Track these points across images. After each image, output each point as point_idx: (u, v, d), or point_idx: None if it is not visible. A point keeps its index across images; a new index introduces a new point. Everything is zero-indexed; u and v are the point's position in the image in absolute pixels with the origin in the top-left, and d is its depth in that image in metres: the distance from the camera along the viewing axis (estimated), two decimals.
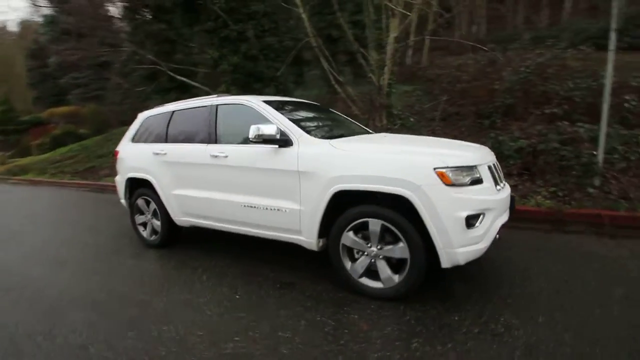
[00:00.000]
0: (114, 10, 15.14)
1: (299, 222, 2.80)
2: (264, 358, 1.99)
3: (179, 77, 10.10)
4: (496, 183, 2.55)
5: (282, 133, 2.82)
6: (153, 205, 3.90)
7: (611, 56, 4.49)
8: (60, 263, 3.71)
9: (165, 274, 3.28)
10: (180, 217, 3.68)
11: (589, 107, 6.61)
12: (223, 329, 2.29)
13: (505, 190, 2.67)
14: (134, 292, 2.93)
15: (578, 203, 4.38)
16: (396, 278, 2.45)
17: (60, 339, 2.28)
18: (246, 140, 3.09)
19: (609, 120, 6.36)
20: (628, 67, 7.50)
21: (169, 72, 10.16)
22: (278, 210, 2.88)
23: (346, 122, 3.90)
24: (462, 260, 2.28)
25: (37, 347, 2.21)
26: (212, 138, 3.36)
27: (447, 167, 2.27)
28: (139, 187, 4.04)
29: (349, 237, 2.59)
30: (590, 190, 4.52)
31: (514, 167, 5.41)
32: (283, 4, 8.04)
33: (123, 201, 4.35)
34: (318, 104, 4.21)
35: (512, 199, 2.75)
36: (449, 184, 2.24)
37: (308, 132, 2.89)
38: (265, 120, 3.01)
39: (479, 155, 2.56)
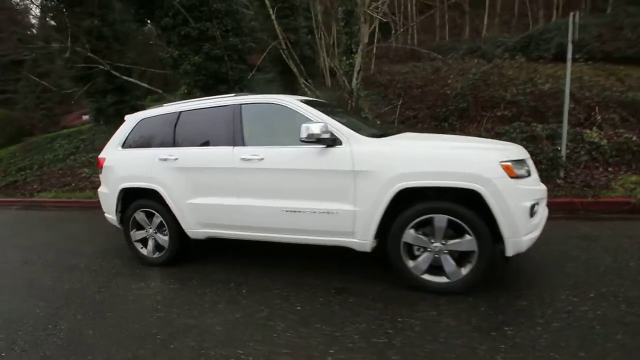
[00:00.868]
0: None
1: (352, 223, 2.72)
2: None
3: (126, 78, 9.11)
4: None
5: (330, 132, 2.72)
6: (158, 218, 3.46)
7: (569, 65, 5.21)
8: (60, 297, 3.07)
9: (193, 293, 2.92)
10: (196, 229, 3.32)
11: (533, 110, 7.60)
12: (309, 344, 2.12)
13: None
14: (173, 317, 2.56)
15: (550, 193, 4.98)
16: (463, 271, 2.52)
17: None
18: (285, 141, 2.95)
19: (551, 120, 7.34)
20: (554, 75, 8.79)
21: (113, 72, 9.10)
22: (328, 212, 2.77)
23: (363, 120, 3.91)
24: (524, 248, 2.44)
25: None
26: (239, 140, 3.09)
27: (510, 161, 2.42)
28: (137, 198, 3.54)
29: (410, 235, 2.59)
30: (558, 181, 5.18)
31: None
32: (248, 4, 7.81)
33: (110, 216, 3.77)
34: (328, 102, 4.15)
35: None
36: (513, 176, 2.39)
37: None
38: (306, 119, 2.88)
39: (522, 150, 2.77)
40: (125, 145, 3.69)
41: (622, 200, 4.51)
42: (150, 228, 3.56)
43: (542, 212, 2.61)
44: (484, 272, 2.47)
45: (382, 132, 3.17)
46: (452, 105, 8.26)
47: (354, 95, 7.48)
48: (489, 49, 15.05)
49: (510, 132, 6.32)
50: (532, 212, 2.44)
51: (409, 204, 2.58)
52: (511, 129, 6.38)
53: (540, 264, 2.98)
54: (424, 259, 2.61)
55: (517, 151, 2.61)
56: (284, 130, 3.02)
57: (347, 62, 8.17)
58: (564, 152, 5.36)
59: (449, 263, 2.55)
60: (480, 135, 6.15)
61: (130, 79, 9.04)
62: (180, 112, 3.45)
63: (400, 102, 9.18)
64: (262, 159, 2.93)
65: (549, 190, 4.99)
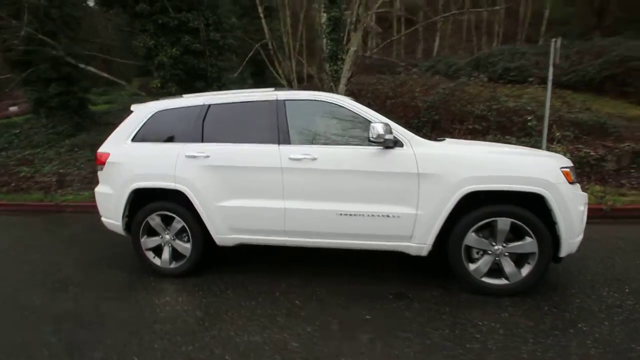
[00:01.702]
0: None
1: (412, 227, 2.68)
2: None
3: (83, 66, 8.09)
4: None
5: (392, 133, 2.66)
6: (179, 223, 3.07)
7: (549, 85, 5.80)
8: (72, 320, 2.53)
9: (238, 305, 2.61)
10: (226, 235, 3.00)
11: (499, 124, 8.33)
12: (405, 354, 2.01)
13: None
14: (232, 334, 2.25)
15: None
16: (523, 272, 2.60)
17: None
18: (337, 141, 2.83)
19: (517, 134, 8.07)
20: (512, 95, 9.72)
21: (68, 59, 8.04)
22: (388, 216, 2.69)
23: None
24: (575, 249, 2.61)
25: None
26: (284, 138, 2.88)
27: (568, 167, 2.58)
28: (151, 200, 3.11)
29: (472, 238, 2.62)
30: None
31: None
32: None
33: (112, 221, 3.25)
34: None
35: None
36: (571, 182, 2.55)
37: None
38: (363, 119, 2.79)
39: (567, 159, 2.98)
40: (137, 138, 3.22)
41: (595, 207, 5.10)
42: (167, 234, 3.14)
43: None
44: (543, 273, 2.59)
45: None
46: (425, 117, 8.70)
47: None
48: (442, 67, 16.30)
49: None
50: (583, 215, 2.62)
51: (469, 208, 2.61)
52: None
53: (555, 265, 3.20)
54: (484, 262, 2.65)
55: (567, 159, 2.80)
56: (335, 129, 2.89)
57: (333, 68, 8.18)
58: None
59: (509, 265, 2.62)
60: None
61: (89, 68, 8.02)
62: (210, 105, 3.12)
63: None
64: (315, 158, 2.76)
65: None
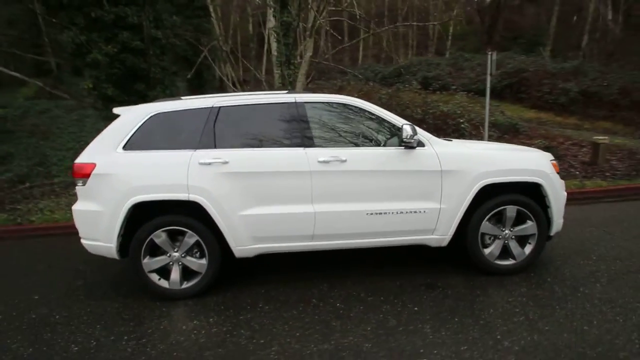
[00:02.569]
0: None
1: (436, 221, 2.88)
2: (566, 350, 2.02)
3: None
4: None
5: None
6: (192, 238, 2.77)
7: (488, 93, 6.70)
8: None
9: (284, 320, 2.47)
10: (248, 246, 2.82)
11: (436, 127, 9.29)
12: (485, 340, 2.16)
13: None
14: (296, 347, 2.13)
15: None
16: (526, 252, 3.00)
17: None
18: (360, 142, 2.92)
19: (452, 135, 9.08)
20: (441, 100, 10.89)
21: None
22: (415, 212, 2.85)
23: None
24: (561, 227, 3.10)
25: None
26: (308, 141, 2.84)
27: (553, 160, 3.07)
28: (155, 215, 2.75)
29: (487, 225, 2.94)
30: None
31: None
32: None
33: (98, 243, 2.78)
34: None
35: None
36: (557, 172, 3.04)
37: None
38: (381, 120, 2.93)
39: None
40: (130, 146, 2.81)
41: None
42: (176, 251, 2.81)
43: None
44: (541, 250, 3.02)
45: None
46: None
47: None
48: (369, 75, 17.44)
49: None
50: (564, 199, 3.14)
51: (481, 200, 2.92)
52: None
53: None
54: (496, 246, 2.99)
55: (549, 154, 3.31)
56: (357, 131, 2.96)
57: (287, 72, 8.15)
58: None
59: (516, 247, 3.00)
60: None
61: None
62: (220, 107, 2.89)
63: None
64: (345, 160, 2.78)
65: None
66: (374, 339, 2.18)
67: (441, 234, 2.92)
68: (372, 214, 2.82)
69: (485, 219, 2.92)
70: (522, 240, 3.03)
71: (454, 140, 3.46)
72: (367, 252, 3.28)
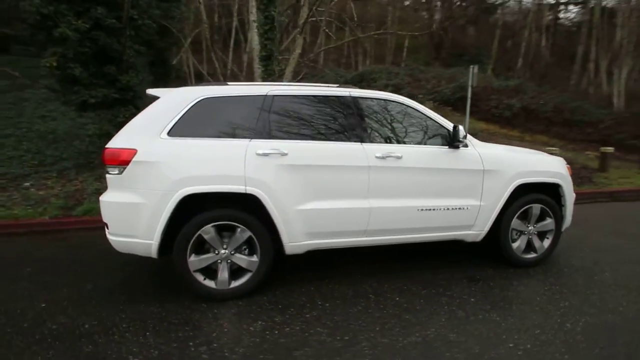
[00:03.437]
0: None
1: (475, 217, 3.07)
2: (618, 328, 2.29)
3: None
4: None
5: None
6: (245, 233, 2.58)
7: (469, 103, 7.22)
8: None
9: (349, 313, 2.42)
10: (301, 242, 2.72)
11: None
12: (540, 317, 2.35)
13: None
14: (387, 340, 2.11)
15: None
16: (545, 245, 3.32)
17: None
18: (413, 140, 3.01)
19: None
20: None
21: None
22: (460, 208, 3.00)
23: None
24: (569, 224, 3.49)
25: None
26: (365, 136, 2.83)
27: (567, 164, 3.45)
28: (204, 209, 2.52)
29: (517, 222, 3.20)
30: None
31: None
32: None
33: (133, 240, 2.48)
34: None
35: None
36: (570, 174, 3.42)
37: None
38: (429, 119, 3.05)
39: None
40: (175, 132, 2.54)
41: None
42: (225, 248, 2.60)
43: None
44: (557, 244, 3.37)
45: None
46: None
47: None
48: (332, 78, 17.75)
49: None
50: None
51: (513, 198, 3.16)
52: None
53: None
54: (522, 240, 3.26)
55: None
56: (407, 129, 3.03)
57: (267, 69, 7.95)
58: None
59: (537, 241, 3.30)
60: None
61: None
62: (274, 95, 2.75)
63: None
64: (400, 157, 2.83)
65: None
66: (454, 329, 2.25)
67: (478, 230, 3.11)
68: (422, 210, 2.91)
69: (515, 216, 3.18)
70: (541, 236, 3.35)
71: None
72: (392, 248, 3.32)
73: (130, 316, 2.40)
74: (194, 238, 2.51)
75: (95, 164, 6.77)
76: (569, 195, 3.33)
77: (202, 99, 2.63)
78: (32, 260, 3.42)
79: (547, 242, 3.34)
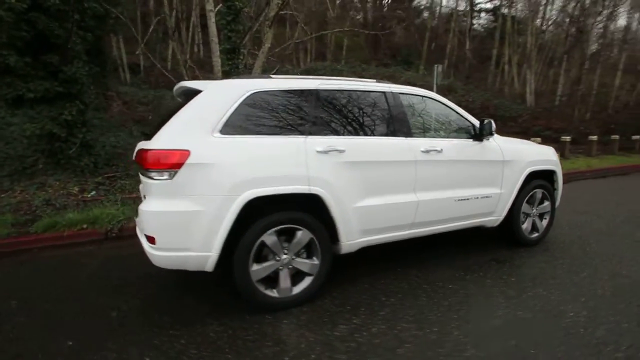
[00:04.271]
0: None
1: (496, 204, 3.34)
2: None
3: None
4: None
5: None
6: (306, 237, 2.45)
7: None
8: None
9: (422, 307, 2.46)
10: (356, 240, 2.68)
11: None
12: (586, 297, 2.66)
13: None
14: (472, 326, 2.19)
15: None
16: (544, 225, 3.75)
17: None
18: (446, 134, 3.15)
19: None
20: None
21: None
22: (486, 197, 3.23)
23: None
24: (558, 204, 3.99)
25: None
26: (407, 131, 2.88)
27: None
28: (263, 213, 2.33)
29: (526, 206, 3.56)
30: None
31: None
32: None
33: (186, 254, 2.19)
34: None
35: None
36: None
37: None
38: (456, 115, 3.21)
39: None
40: (227, 130, 2.28)
41: None
42: (286, 254, 2.43)
43: None
44: (552, 223, 3.83)
45: None
46: None
47: None
48: (282, 73, 17.45)
49: None
50: None
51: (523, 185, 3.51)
52: None
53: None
54: (528, 222, 3.64)
55: None
56: (441, 124, 3.15)
57: (230, 62, 7.53)
58: None
59: (539, 222, 3.72)
60: None
61: None
62: (323, 90, 2.63)
63: None
64: (441, 150, 2.94)
65: None
66: (516, 307, 2.43)
67: (497, 216, 3.39)
68: (459, 200, 3.07)
69: (525, 200, 3.54)
70: (541, 217, 3.78)
71: None
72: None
73: (194, 339, 2.11)
74: (256, 245, 2.30)
75: (35, 169, 5.74)
76: (560, 179, 3.82)
77: (252, 93, 2.41)
78: (13, 290, 2.80)
79: (545, 222, 3.78)
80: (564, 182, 4.05)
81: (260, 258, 2.38)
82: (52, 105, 5.69)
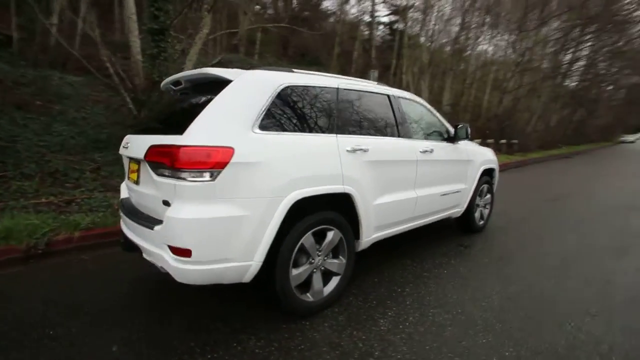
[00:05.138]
0: None
1: (462, 197, 3.85)
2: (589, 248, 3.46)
3: None
4: None
5: None
6: (337, 237, 2.43)
7: None
8: None
9: (445, 291, 2.69)
10: (371, 235, 2.77)
11: None
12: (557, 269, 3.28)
13: None
14: (485, 304, 2.52)
15: None
16: (487, 213, 4.47)
17: None
18: (431, 136, 3.47)
19: None
20: None
21: None
22: (457, 191, 3.70)
23: None
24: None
25: None
26: (405, 132, 3.09)
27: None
28: (304, 214, 2.23)
29: (478, 199, 4.18)
30: None
31: None
32: None
33: (227, 265, 1.96)
34: None
35: None
36: None
37: None
38: (434, 117, 3.57)
39: None
40: (265, 125, 2.09)
41: None
42: (319, 255, 2.36)
43: None
44: (491, 211, 4.58)
45: None
46: None
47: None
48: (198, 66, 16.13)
49: None
50: None
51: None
52: None
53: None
54: (478, 212, 4.28)
55: None
56: (426, 126, 3.46)
57: (159, 45, 6.70)
58: None
59: (485, 211, 4.41)
60: None
61: None
62: (342, 89, 2.62)
63: None
64: (432, 151, 3.24)
65: None
66: (516, 280, 2.90)
67: (461, 207, 3.91)
68: (443, 194, 3.45)
69: (477, 194, 4.16)
70: (484, 207, 4.49)
71: None
72: None
73: (246, 356, 1.90)
74: (296, 249, 2.19)
75: None
76: (497, 175, 4.60)
77: (285, 87, 2.26)
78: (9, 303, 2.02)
79: (486, 211, 4.50)
80: None
81: (296, 262, 2.26)
82: None
